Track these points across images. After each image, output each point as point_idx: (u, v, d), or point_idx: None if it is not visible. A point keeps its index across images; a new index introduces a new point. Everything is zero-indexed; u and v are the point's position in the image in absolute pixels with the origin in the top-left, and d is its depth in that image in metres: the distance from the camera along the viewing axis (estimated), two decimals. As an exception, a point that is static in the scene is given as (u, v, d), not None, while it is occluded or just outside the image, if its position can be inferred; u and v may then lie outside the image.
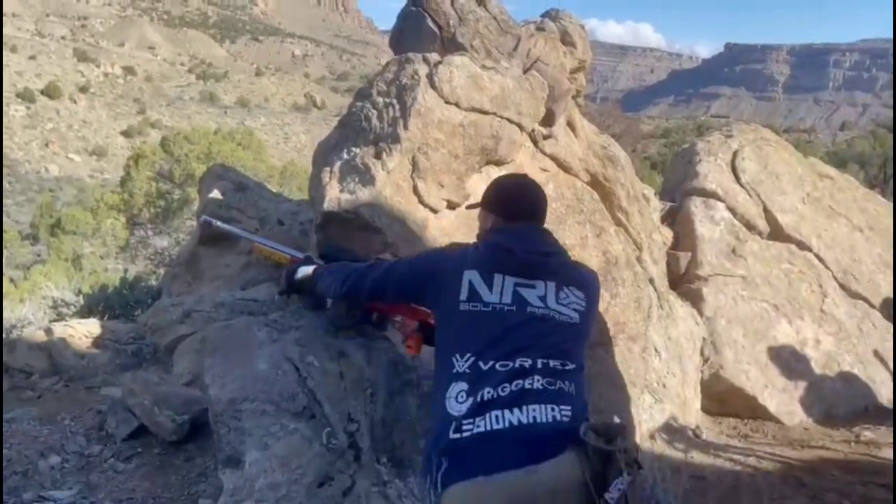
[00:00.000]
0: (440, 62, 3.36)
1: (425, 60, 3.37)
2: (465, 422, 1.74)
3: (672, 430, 3.97)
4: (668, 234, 5.24)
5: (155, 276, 8.73)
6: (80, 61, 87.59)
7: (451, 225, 3.31)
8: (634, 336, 4.03)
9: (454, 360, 1.85)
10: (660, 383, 4.05)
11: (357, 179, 3.09)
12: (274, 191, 5.15)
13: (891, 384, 4.87)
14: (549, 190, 3.83)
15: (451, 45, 3.57)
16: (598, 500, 1.61)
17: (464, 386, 1.80)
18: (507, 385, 1.77)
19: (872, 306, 5.32)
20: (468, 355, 1.84)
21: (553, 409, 1.75)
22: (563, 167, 3.95)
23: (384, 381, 2.78)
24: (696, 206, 5.26)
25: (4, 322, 5.01)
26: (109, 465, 2.87)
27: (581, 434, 1.66)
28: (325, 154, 3.42)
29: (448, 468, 1.71)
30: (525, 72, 3.68)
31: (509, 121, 3.53)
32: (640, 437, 3.84)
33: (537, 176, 3.81)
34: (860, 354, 4.90)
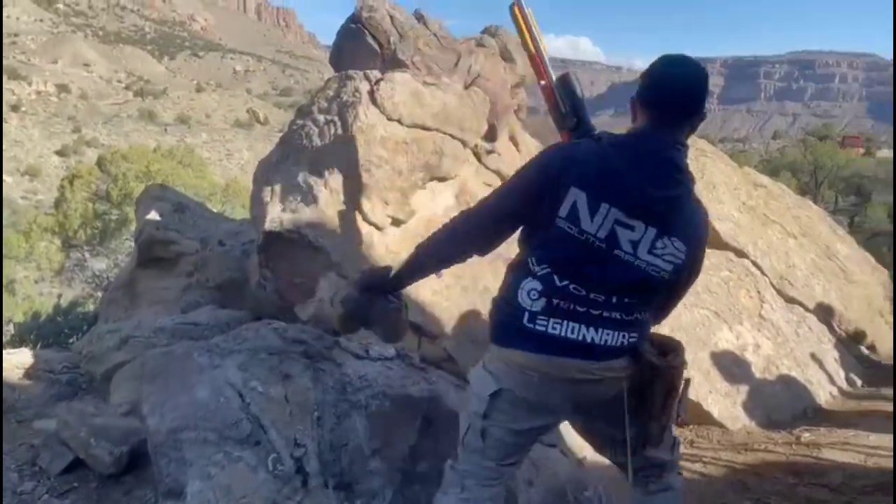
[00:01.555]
0: (381, 79, 3.35)
1: (366, 77, 3.36)
2: (540, 317, 1.88)
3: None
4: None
5: (93, 300, 8.44)
6: (11, 79, 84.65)
7: (396, 242, 3.28)
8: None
9: (530, 261, 1.91)
10: (607, 393, 4.09)
11: (299, 198, 3.04)
12: (216, 210, 5.03)
13: (828, 386, 5.04)
14: (493, 204, 3.85)
15: (391, 62, 3.57)
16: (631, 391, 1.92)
17: (537, 286, 1.89)
18: (584, 307, 1.89)
19: (808, 310, 5.50)
20: (545, 266, 1.89)
21: (623, 336, 1.92)
22: (507, 182, 3.98)
23: (332, 403, 2.73)
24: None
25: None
26: (44, 502, 2.73)
27: (640, 348, 1.93)
28: (265, 173, 3.36)
29: (516, 339, 1.91)
30: (466, 88, 3.70)
31: (452, 136, 3.54)
32: (591, 447, 3.86)
33: (482, 190, 3.83)
34: (798, 358, 5.05)
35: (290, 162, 3.24)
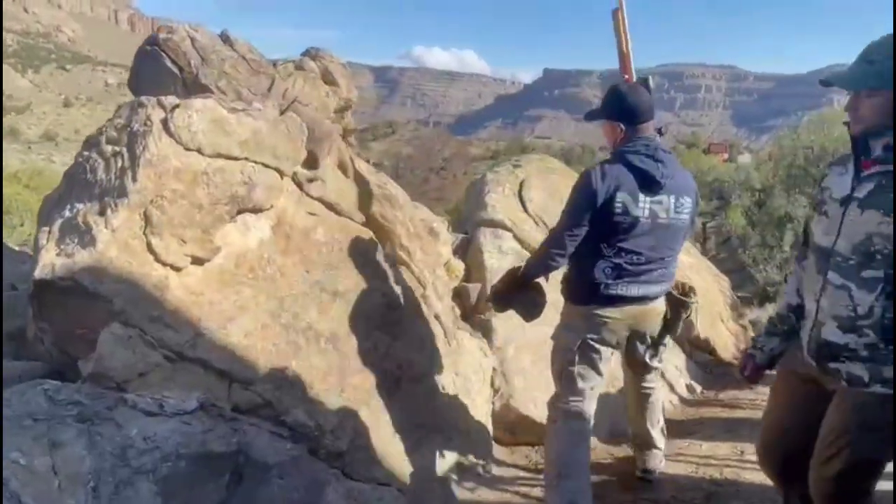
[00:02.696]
0: (177, 106, 3.09)
1: (160, 104, 3.09)
2: (612, 286, 3.04)
3: (462, 469, 3.91)
4: (459, 266, 5.26)
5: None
6: None
7: (199, 283, 3.03)
8: (419, 376, 3.94)
9: (602, 247, 2.99)
10: (448, 422, 3.99)
11: (76, 240, 2.73)
12: (16, 248, 4.55)
13: (669, 394, 5.18)
14: (319, 235, 3.67)
15: (194, 87, 3.32)
16: (670, 321, 3.36)
17: (610, 264, 3.00)
18: (640, 271, 3.02)
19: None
20: (614, 248, 2.97)
21: (661, 286, 3.18)
22: (334, 210, 3.80)
23: (110, 470, 2.45)
24: (485, 237, 5.33)
25: None
26: None
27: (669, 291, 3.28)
28: (47, 211, 3.03)
29: (596, 301, 3.09)
30: (282, 113, 3.50)
31: (265, 165, 3.33)
32: (429, 480, 3.74)
33: (305, 221, 3.64)
34: (640, 369, 5.15)
35: (72, 199, 2.92)
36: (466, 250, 5.45)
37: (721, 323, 6.43)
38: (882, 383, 2.22)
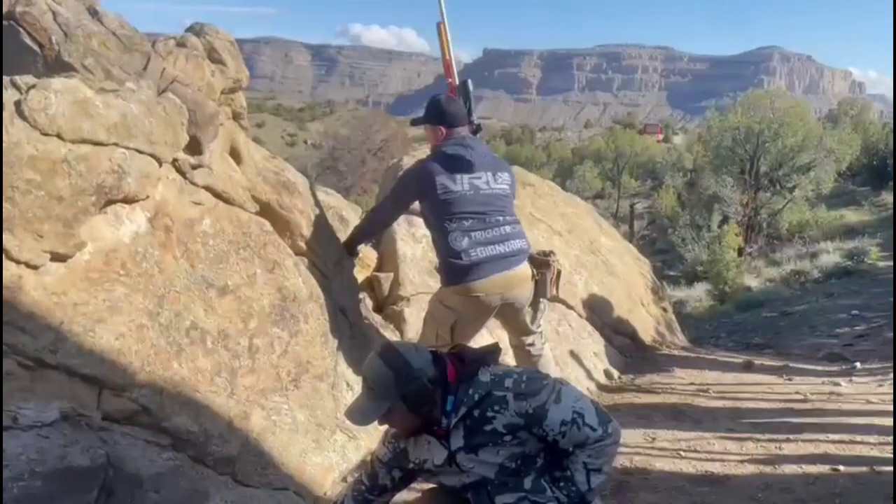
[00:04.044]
0: (34, 86, 2.79)
1: (14, 85, 2.78)
2: (471, 251, 3.41)
3: (367, 468, 3.75)
4: (371, 255, 5.08)
5: None
6: None
7: (60, 282, 2.75)
8: (322, 374, 3.76)
9: (445, 224, 3.46)
10: (354, 419, 3.82)
11: None
12: None
13: (586, 382, 5.14)
14: (205, 226, 3.42)
15: (57, 66, 3.01)
16: (535, 282, 3.60)
17: (457, 234, 3.42)
18: (490, 230, 3.46)
19: (569, 307, 5.60)
20: (450, 221, 3.44)
21: (520, 242, 3.56)
22: (223, 198, 3.55)
23: (-53, 495, 2.20)
24: (398, 224, 5.14)
25: None
26: None
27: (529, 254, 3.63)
28: None
29: (465, 275, 3.41)
30: (159, 94, 3.22)
31: (138, 151, 3.04)
32: (333, 482, 3.58)
33: (189, 211, 3.38)
34: (557, 356, 5.08)
35: None
36: (380, 238, 5.27)
37: (641, 307, 6.45)
38: None
